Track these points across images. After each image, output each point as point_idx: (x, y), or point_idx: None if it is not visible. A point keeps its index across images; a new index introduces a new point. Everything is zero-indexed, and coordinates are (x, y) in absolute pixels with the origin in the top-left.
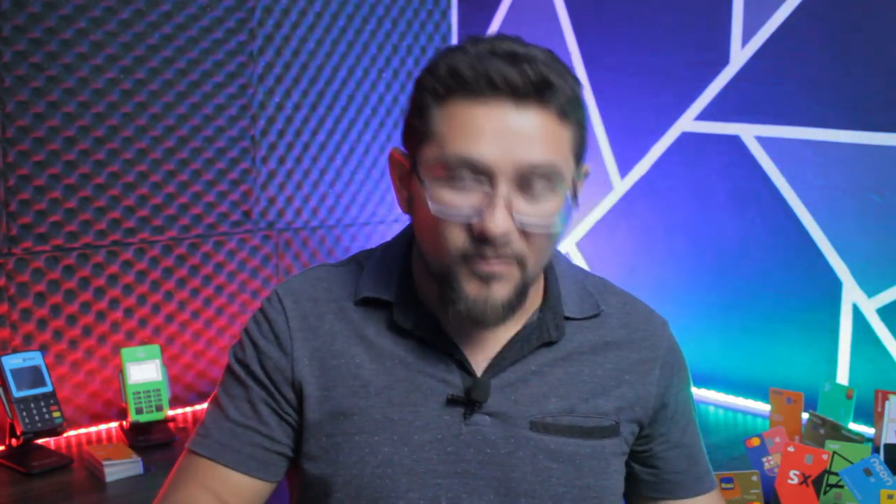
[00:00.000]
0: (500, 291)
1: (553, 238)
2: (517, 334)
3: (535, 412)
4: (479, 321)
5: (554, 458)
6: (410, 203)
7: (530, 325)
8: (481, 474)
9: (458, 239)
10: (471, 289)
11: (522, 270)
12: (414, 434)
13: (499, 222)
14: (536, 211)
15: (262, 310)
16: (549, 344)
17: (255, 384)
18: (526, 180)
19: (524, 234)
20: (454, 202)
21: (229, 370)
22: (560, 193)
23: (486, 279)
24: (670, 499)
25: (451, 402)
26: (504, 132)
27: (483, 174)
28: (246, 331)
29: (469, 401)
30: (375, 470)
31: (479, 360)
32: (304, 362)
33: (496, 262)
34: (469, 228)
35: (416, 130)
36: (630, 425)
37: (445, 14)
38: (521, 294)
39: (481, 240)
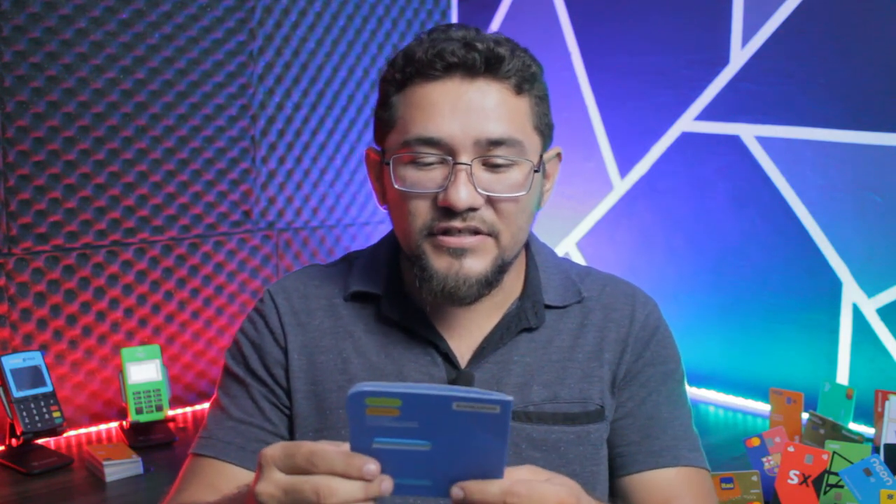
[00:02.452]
0: (475, 266)
1: (523, 209)
2: (498, 324)
3: (518, 401)
4: (453, 297)
5: (537, 447)
6: (385, 196)
7: (510, 314)
8: None
9: (424, 214)
10: (441, 264)
11: (497, 244)
12: None
13: (461, 192)
14: (500, 180)
15: (255, 309)
16: (530, 331)
17: (255, 381)
18: (487, 153)
19: (492, 205)
20: (418, 180)
21: (227, 372)
22: (523, 165)
23: (457, 254)
24: (623, 475)
25: None
26: (460, 107)
27: (444, 150)
28: (241, 331)
29: None
30: None
31: (464, 352)
32: (295, 356)
33: (466, 236)
34: (435, 203)
35: (383, 121)
36: (613, 409)
37: (445, 14)
38: (498, 270)
39: (447, 212)
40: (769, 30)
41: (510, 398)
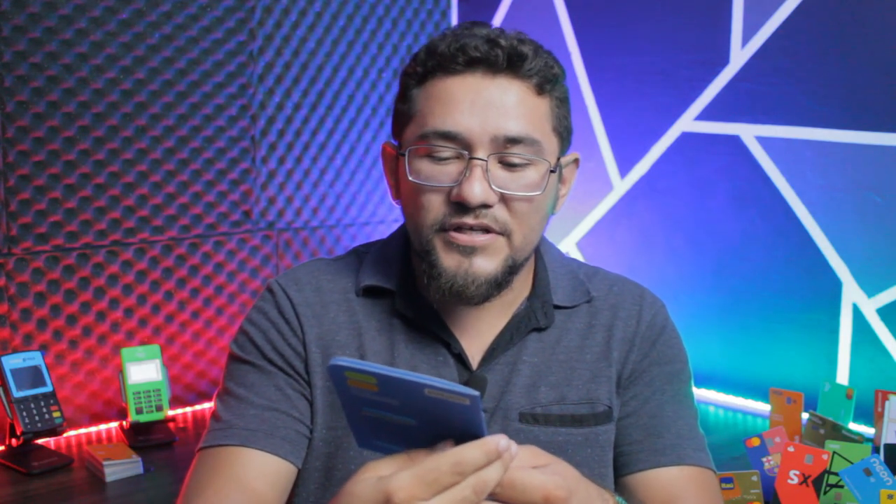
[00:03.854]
0: (484, 265)
1: (537, 210)
2: (507, 324)
3: (525, 403)
4: (461, 296)
5: (544, 450)
6: (398, 190)
7: (519, 315)
8: None
9: (437, 209)
10: (450, 262)
11: (509, 244)
12: None
13: (476, 188)
14: (515, 179)
15: (264, 300)
16: (539, 331)
17: (276, 369)
18: (504, 150)
19: (506, 203)
20: (433, 173)
21: (239, 363)
22: (540, 165)
23: (467, 252)
24: (626, 474)
25: None
26: (480, 103)
27: (461, 145)
28: (251, 323)
29: None
30: None
31: (474, 352)
32: (313, 349)
33: (477, 234)
34: (448, 199)
35: (401, 115)
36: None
37: (445, 14)
38: (508, 271)
39: (459, 208)
40: (769, 30)
41: (477, 393)
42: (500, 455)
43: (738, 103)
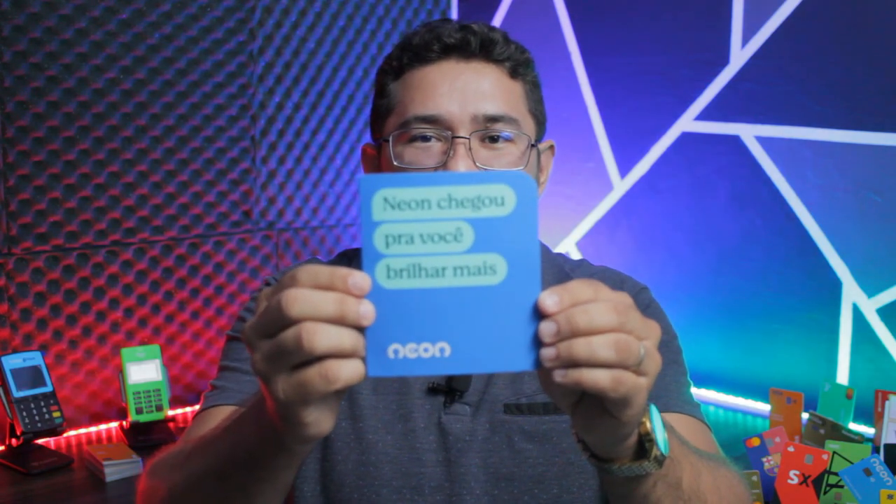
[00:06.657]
0: None
1: None
2: None
3: (510, 394)
4: None
5: (529, 439)
6: None
7: None
8: (461, 462)
9: None
10: None
11: None
12: (397, 423)
13: (460, 166)
14: (498, 156)
15: (260, 290)
16: None
17: None
18: (485, 132)
19: None
20: (417, 156)
21: (234, 342)
22: (520, 142)
23: None
24: None
25: (433, 390)
26: (458, 87)
27: (442, 127)
28: (247, 309)
29: (450, 390)
30: (360, 457)
31: None
32: None
33: None
34: None
35: (380, 109)
36: None
37: (445, 14)
38: None
39: None
40: (769, 30)
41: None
42: (345, 287)
43: (738, 103)
